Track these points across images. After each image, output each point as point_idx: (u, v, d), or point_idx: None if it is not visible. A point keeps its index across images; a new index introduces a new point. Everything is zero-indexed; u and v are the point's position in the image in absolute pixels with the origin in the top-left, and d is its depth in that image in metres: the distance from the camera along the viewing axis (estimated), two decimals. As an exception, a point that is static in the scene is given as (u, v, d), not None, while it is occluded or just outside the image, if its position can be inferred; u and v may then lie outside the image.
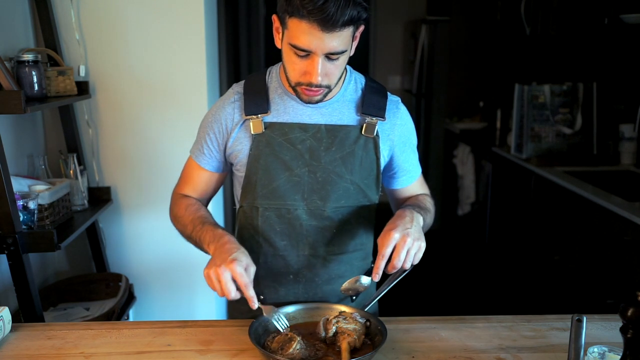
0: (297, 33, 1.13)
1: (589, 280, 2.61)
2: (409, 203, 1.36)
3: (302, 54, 1.15)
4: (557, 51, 3.44)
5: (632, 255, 2.28)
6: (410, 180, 1.41)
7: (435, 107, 4.78)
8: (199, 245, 1.28)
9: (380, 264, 1.16)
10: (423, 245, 1.18)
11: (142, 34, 2.24)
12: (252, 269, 1.15)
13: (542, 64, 3.53)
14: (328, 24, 1.09)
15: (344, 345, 1.11)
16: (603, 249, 2.50)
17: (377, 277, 1.16)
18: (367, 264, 1.41)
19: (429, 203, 1.40)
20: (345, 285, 1.28)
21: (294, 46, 1.15)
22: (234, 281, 1.12)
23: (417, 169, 1.42)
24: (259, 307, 1.14)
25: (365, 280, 1.27)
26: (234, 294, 1.12)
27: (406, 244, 1.15)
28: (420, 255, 1.18)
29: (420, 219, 1.24)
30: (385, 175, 1.40)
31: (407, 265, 1.17)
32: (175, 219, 1.37)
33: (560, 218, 2.92)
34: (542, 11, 3.36)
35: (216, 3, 2.57)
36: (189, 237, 1.31)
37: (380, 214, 1.41)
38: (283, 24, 1.17)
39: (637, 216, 2.21)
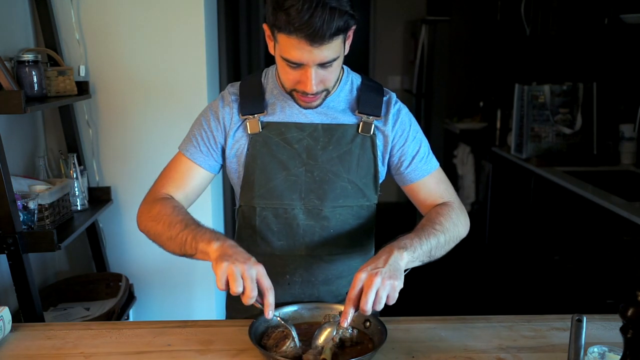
0: (287, 48, 1.13)
1: (589, 280, 2.61)
2: (420, 224, 1.28)
3: (295, 65, 1.16)
4: (557, 51, 3.45)
5: (632, 255, 2.27)
6: (419, 175, 1.35)
7: (435, 107, 4.78)
8: (184, 245, 1.16)
9: (348, 309, 1.07)
10: (397, 284, 1.06)
11: (142, 34, 2.24)
12: None
13: (542, 64, 3.53)
14: (316, 38, 1.10)
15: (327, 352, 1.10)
16: (603, 249, 2.49)
17: (345, 323, 1.08)
18: None
19: (446, 215, 1.28)
20: (320, 341, 1.12)
21: (286, 59, 1.16)
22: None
23: (426, 165, 1.36)
24: (260, 308, 1.11)
25: (334, 330, 1.12)
26: (255, 293, 1.06)
27: (374, 284, 1.04)
28: (395, 295, 1.06)
29: (403, 255, 1.12)
30: (393, 174, 1.38)
31: (378, 307, 1.05)
32: (154, 218, 1.23)
33: (560, 218, 2.92)
34: (542, 11, 3.36)
35: (216, 3, 2.57)
36: (171, 238, 1.18)
37: (380, 214, 1.40)
38: (273, 36, 1.17)
39: (637, 216, 2.21)
